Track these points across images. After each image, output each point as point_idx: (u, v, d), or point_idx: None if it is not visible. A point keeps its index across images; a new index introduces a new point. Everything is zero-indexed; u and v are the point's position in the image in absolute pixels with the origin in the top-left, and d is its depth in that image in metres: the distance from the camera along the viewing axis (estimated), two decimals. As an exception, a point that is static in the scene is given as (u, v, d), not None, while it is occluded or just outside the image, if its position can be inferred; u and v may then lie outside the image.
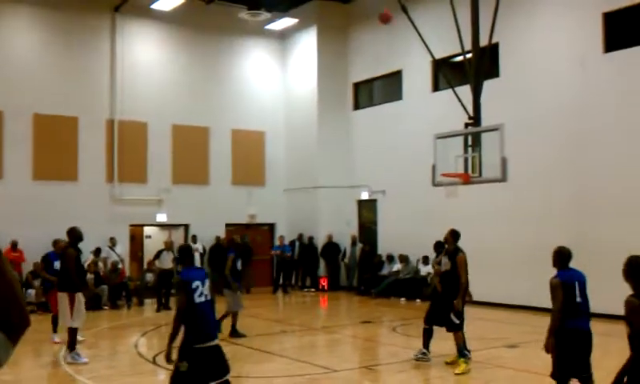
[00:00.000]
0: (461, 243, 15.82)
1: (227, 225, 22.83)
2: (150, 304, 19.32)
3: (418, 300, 18.92)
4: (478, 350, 11.65)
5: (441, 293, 10.65)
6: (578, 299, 7.21)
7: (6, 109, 19.30)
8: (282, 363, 11.48)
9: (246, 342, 12.87)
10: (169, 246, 19.35)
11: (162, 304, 18.35)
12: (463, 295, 10.43)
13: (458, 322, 10.30)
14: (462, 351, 10.27)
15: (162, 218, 21.82)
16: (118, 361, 12.18)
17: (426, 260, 19.31)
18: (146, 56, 21.77)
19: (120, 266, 19.84)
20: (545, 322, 7.52)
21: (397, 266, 20.37)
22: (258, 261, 22.72)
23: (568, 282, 7.19)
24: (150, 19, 21.55)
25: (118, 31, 21.06)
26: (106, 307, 18.41)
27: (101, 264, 19.54)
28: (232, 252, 13.73)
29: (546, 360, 8.46)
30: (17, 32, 19.86)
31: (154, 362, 11.24)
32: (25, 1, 19.57)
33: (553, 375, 7.23)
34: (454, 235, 10.83)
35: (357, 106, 23.25)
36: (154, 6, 20.74)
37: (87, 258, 19.18)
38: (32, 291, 18.00)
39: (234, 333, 13.16)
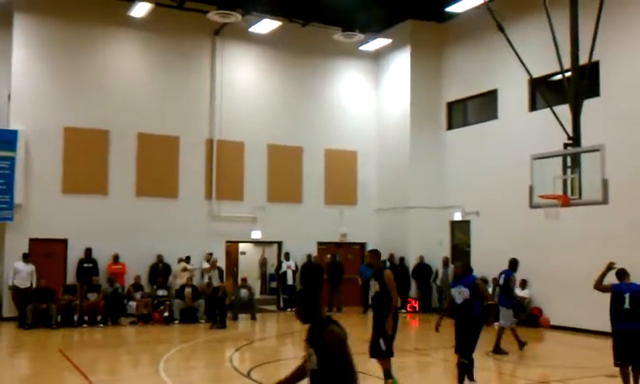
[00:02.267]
0: (560, 266, 15.48)
1: (319, 243, 23.09)
2: (243, 319, 19.75)
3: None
4: (576, 379, 11.29)
5: (374, 317, 9.94)
6: (626, 306, 9.58)
7: (112, 128, 20.31)
8: (374, 383, 11.47)
9: (338, 360, 12.92)
10: (215, 265, 19.77)
11: (215, 322, 18.43)
12: (395, 316, 9.72)
13: (384, 347, 9.69)
14: (390, 373, 9.79)
15: (256, 235, 22.29)
16: (214, 373, 12.51)
17: (524, 284, 18.86)
18: (243, 78, 22.44)
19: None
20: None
21: (490, 289, 19.93)
22: (349, 279, 22.81)
23: (618, 292, 9.71)
24: (247, 42, 22.20)
25: (217, 54, 21.84)
26: (202, 321, 18.95)
27: (199, 278, 20.18)
28: (509, 273, 14.52)
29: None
30: (122, 56, 20.92)
31: (248, 376, 11.49)
32: (130, 26, 20.57)
33: (615, 363, 9.75)
34: (376, 255, 10.40)
35: (450, 126, 23.06)
36: (252, 29, 21.36)
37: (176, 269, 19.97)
38: (133, 303, 18.78)
39: (498, 350, 13.80)
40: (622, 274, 10.04)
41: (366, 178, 24.08)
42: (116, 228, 19.86)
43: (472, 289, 9.85)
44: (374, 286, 9.90)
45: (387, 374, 9.81)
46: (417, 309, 21.97)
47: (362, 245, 24.06)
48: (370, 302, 11.46)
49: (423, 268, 22.28)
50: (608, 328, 16.39)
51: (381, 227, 23.84)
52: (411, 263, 22.51)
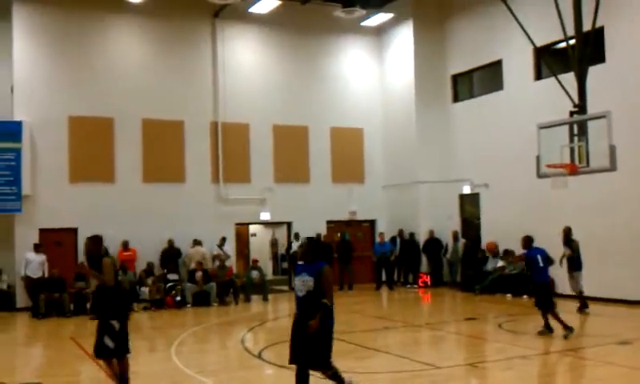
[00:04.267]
0: (575, 235, 15.31)
1: (328, 222, 23.08)
2: (255, 300, 19.84)
3: (525, 296, 18.42)
4: (587, 347, 11.26)
5: (99, 315, 8.67)
6: (541, 265, 12.71)
7: (117, 115, 20.30)
8: (385, 359, 11.51)
9: (350, 338, 12.98)
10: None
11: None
12: (125, 313, 8.71)
13: (112, 346, 8.45)
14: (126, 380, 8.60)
15: (265, 216, 22.30)
16: (226, 355, 12.57)
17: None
18: (245, 59, 22.32)
19: (228, 263, 20.46)
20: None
21: (501, 262, 19.89)
22: (360, 257, 22.82)
23: (532, 256, 12.82)
24: (247, 23, 22.08)
25: (218, 36, 21.72)
26: (214, 304, 19.03)
27: (209, 262, 20.23)
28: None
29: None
30: (123, 42, 20.84)
31: (259, 357, 11.53)
32: (129, 11, 20.49)
33: (535, 304, 12.91)
34: (96, 242, 8.79)
35: (456, 99, 22.88)
36: (252, 10, 21.23)
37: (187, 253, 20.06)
38: (145, 289, 18.86)
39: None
40: (530, 240, 13.06)
41: (373, 154, 23.99)
42: (125, 215, 19.91)
43: (318, 278, 7.33)
44: (94, 280, 8.45)
45: (123, 379, 8.63)
46: (429, 283, 21.97)
47: (372, 222, 24.04)
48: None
49: (434, 242, 22.24)
50: (622, 295, 16.43)
51: (389, 203, 23.80)
52: (421, 238, 22.48)
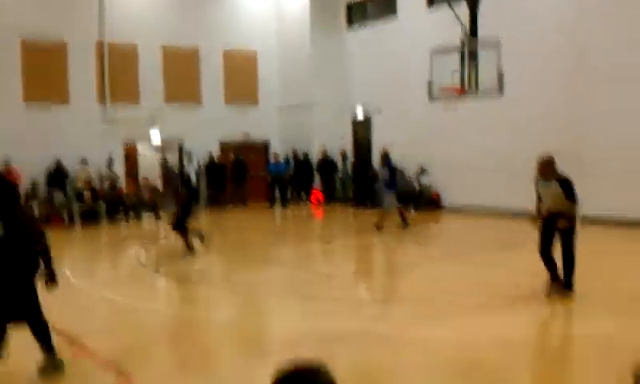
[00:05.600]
0: (462, 155, 16.05)
1: (221, 143, 22.93)
2: (147, 218, 19.69)
3: (413, 210, 19.24)
4: (468, 253, 12.02)
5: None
6: None
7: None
8: (281, 269, 11.81)
9: (246, 252, 13.20)
10: None
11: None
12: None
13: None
14: None
15: (155, 136, 21.82)
16: (119, 269, 12.48)
17: (423, 172, 19.59)
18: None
19: (118, 184, 20.04)
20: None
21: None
22: (254, 177, 22.96)
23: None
24: None
25: (105, -52, 20.56)
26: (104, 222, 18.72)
27: (98, 182, 19.73)
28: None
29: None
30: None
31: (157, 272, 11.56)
32: None
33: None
34: None
35: (350, 25, 23.00)
36: None
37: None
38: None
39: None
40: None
41: (268, 76, 23.81)
42: (5, 138, 18.73)
43: (9, 221, 5.60)
44: None
45: None
46: (321, 200, 22.48)
47: (265, 143, 24.09)
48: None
49: (327, 162, 22.65)
50: (506, 208, 17.42)
51: (284, 125, 23.87)
52: (315, 159, 22.85)
